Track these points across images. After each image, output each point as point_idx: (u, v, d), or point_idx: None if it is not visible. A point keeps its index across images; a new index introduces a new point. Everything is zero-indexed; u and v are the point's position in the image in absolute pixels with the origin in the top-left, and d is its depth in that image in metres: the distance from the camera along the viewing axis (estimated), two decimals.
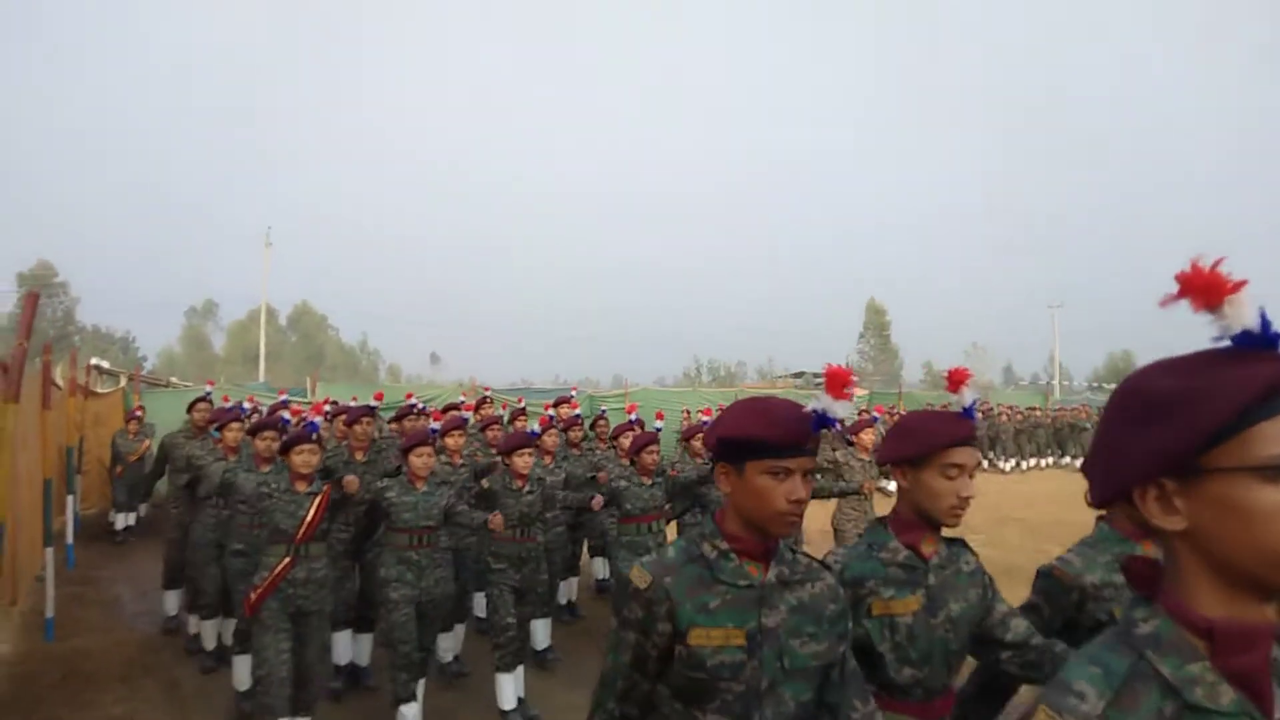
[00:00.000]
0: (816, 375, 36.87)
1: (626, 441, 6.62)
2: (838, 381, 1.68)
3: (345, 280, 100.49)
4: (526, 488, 5.28)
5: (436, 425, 6.12)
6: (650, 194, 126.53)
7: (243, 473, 5.50)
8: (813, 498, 5.27)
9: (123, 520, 11.08)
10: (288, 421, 5.94)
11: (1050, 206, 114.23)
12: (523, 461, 5.23)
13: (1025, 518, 12.26)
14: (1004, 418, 19.84)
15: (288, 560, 4.44)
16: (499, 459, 5.79)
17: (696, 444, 6.93)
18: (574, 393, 12.51)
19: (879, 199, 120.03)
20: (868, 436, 6.87)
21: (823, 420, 1.66)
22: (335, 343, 74.58)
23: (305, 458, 4.57)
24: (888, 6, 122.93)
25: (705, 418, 10.32)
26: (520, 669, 5.09)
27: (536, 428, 6.47)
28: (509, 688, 4.96)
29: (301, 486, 4.58)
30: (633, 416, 7.20)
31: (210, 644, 6.15)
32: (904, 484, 2.14)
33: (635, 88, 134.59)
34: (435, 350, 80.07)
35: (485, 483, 5.33)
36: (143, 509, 11.60)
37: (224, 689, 5.55)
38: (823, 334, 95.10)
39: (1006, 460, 19.37)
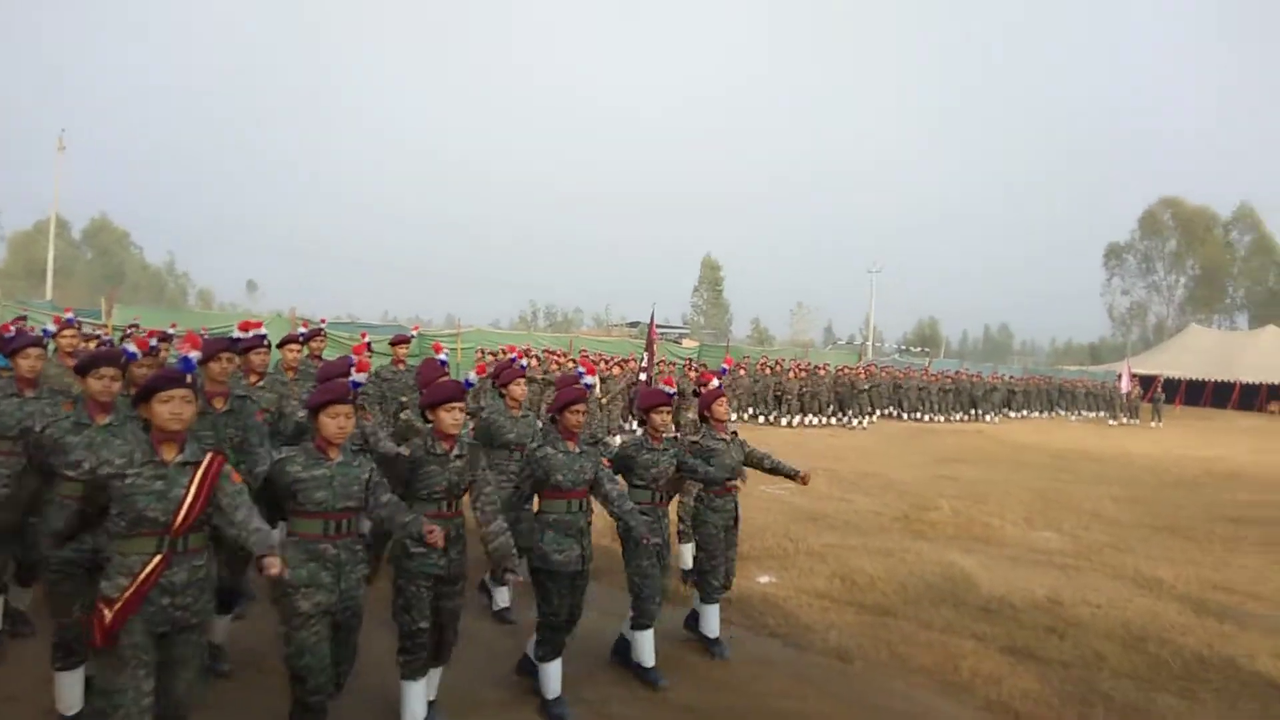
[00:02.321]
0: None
1: (518, 390, 5.87)
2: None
3: (151, 195, 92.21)
4: (455, 451, 4.14)
5: (360, 377, 4.65)
6: (492, 135, 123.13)
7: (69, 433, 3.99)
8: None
9: None
10: (132, 355, 4.78)
11: (876, 180, 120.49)
12: (452, 419, 4.09)
13: (834, 469, 13.04)
14: (791, 375, 20.85)
15: (159, 559, 3.16)
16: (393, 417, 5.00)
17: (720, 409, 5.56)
18: (415, 332, 11.89)
19: (720, 163, 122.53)
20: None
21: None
22: (137, 262, 68.38)
23: (175, 409, 3.19)
24: None
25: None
26: (435, 671, 4.19)
27: (473, 376, 5.41)
28: (416, 700, 4.05)
29: (169, 454, 3.21)
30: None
31: None
32: None
33: (469, 17, 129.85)
34: (253, 278, 75.21)
35: (406, 450, 4.16)
36: None
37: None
38: (660, 287, 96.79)
39: (791, 416, 20.34)
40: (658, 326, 16.31)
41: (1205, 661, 5.47)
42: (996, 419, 25.84)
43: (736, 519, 5.42)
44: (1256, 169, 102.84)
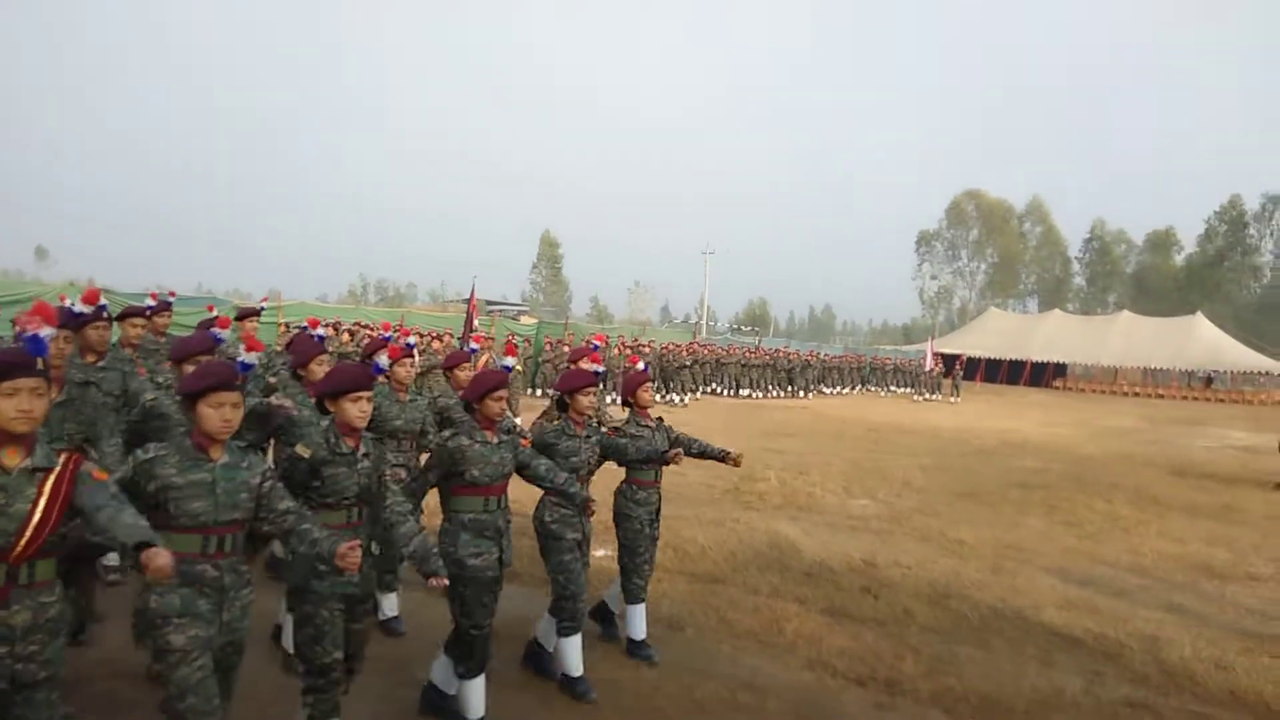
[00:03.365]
0: (491, 302, 36.91)
1: (404, 372, 5.19)
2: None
3: None
4: (361, 449, 3.55)
5: (249, 358, 3.70)
6: (320, 91, 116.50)
7: None
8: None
9: None
10: None
11: (709, 165, 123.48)
12: (359, 411, 3.49)
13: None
14: (616, 353, 21.72)
15: None
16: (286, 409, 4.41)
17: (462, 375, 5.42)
18: (264, 305, 10.81)
19: (561, 139, 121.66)
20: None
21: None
22: None
23: (23, 404, 2.49)
24: None
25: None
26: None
27: (384, 360, 4.52)
28: None
29: (11, 458, 2.51)
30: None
31: None
32: None
33: None
34: (42, 243, 68.04)
35: (302, 449, 3.49)
36: None
37: None
38: (499, 264, 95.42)
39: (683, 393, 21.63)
40: (494, 302, 16.03)
41: (999, 614, 5.97)
42: (811, 395, 27.27)
43: (658, 511, 5.07)
44: (1044, 163, 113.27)
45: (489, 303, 36.24)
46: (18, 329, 2.55)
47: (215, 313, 8.13)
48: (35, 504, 2.47)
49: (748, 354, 26.92)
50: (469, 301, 14.01)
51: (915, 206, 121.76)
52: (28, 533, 2.45)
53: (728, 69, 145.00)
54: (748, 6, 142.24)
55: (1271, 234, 66.25)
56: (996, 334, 47.49)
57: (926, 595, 6.30)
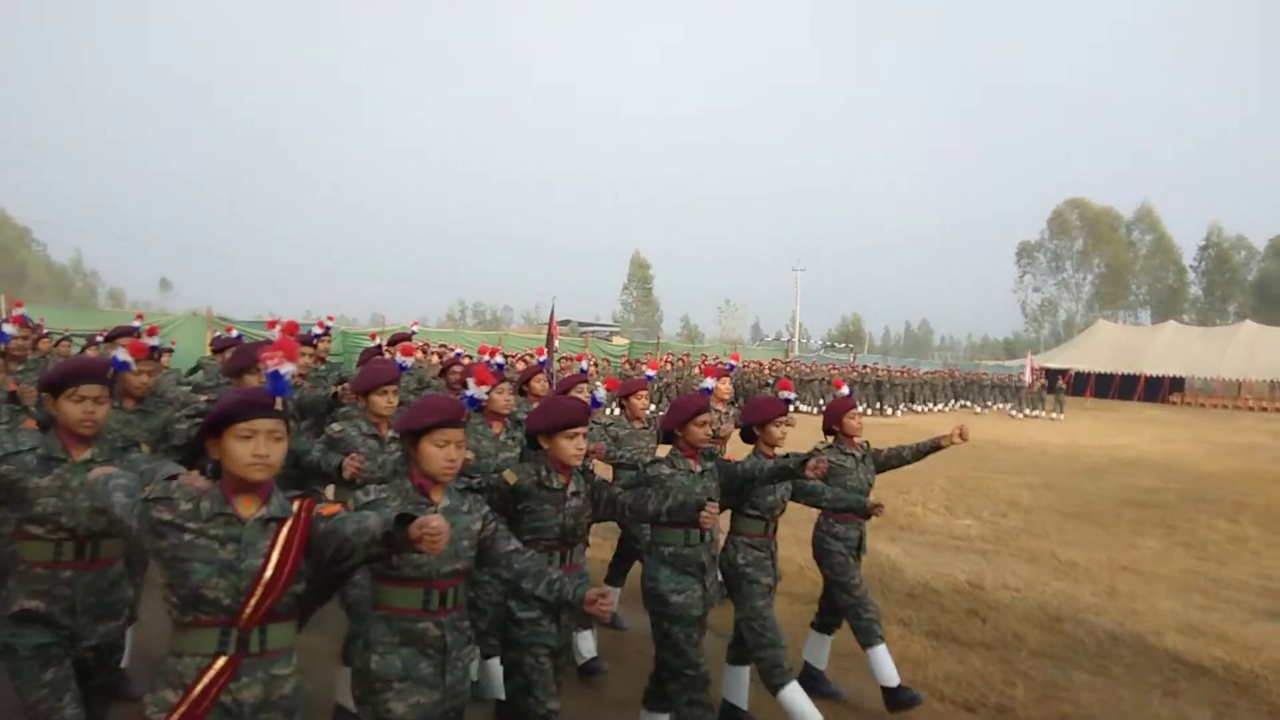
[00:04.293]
0: (583, 324, 37.47)
1: (640, 403, 5.26)
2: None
3: (55, 191, 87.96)
4: (571, 486, 3.30)
5: (480, 392, 3.74)
6: (414, 134, 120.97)
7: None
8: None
9: None
10: (123, 365, 3.66)
11: (798, 180, 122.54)
12: (576, 449, 3.21)
13: None
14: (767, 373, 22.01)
15: (223, 664, 2.17)
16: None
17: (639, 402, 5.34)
18: (414, 328, 10.47)
19: (646, 163, 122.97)
20: (725, 386, 6.13)
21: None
22: (40, 260, 65.22)
23: (258, 447, 2.24)
24: None
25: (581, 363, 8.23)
26: None
27: (479, 390, 3.78)
28: None
29: (247, 508, 2.26)
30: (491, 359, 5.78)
31: None
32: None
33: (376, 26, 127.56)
34: (166, 275, 72.44)
35: (509, 475, 3.25)
36: None
37: None
38: (590, 285, 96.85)
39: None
40: (586, 324, 16.33)
41: (1117, 639, 5.71)
42: (900, 413, 26.54)
43: (861, 544, 4.68)
44: (1156, 172, 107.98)
45: (581, 324, 36.82)
46: (261, 365, 2.27)
47: (378, 340, 7.98)
48: (268, 558, 2.17)
49: (831, 370, 26.56)
50: (549, 323, 14.35)
51: (1015, 217, 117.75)
52: (258, 591, 2.14)
53: (811, 84, 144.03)
54: (864, 16, 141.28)
55: None
56: (1106, 347, 45.34)
57: (1037, 619, 6.07)
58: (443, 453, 2.65)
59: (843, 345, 54.60)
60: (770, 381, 22.61)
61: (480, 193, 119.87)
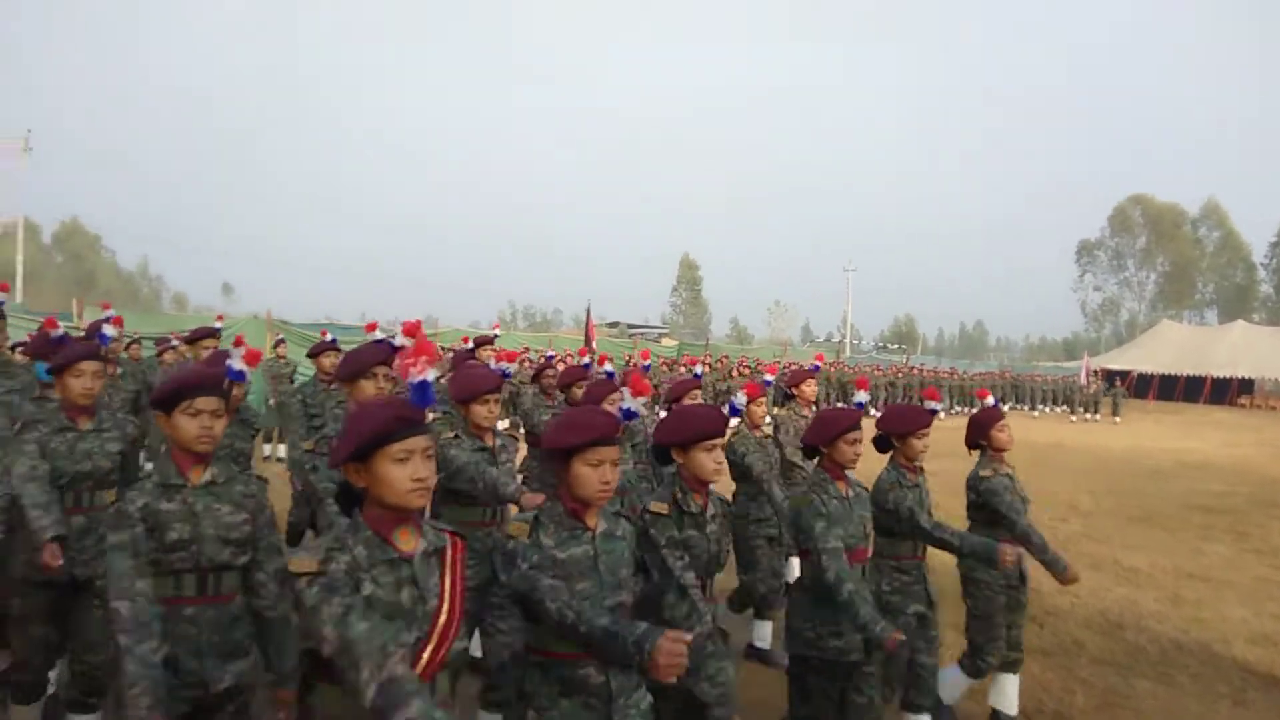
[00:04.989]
0: (632, 325, 37.58)
1: (760, 411, 5.05)
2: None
3: (123, 199, 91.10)
4: (710, 509, 2.96)
5: (638, 404, 3.44)
6: (470, 137, 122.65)
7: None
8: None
9: None
10: (238, 375, 4.01)
11: (848, 183, 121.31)
12: (715, 461, 2.84)
13: None
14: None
15: None
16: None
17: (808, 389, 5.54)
18: (496, 331, 10.12)
19: (698, 166, 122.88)
20: (809, 388, 5.84)
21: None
22: (109, 266, 67.62)
23: (417, 469, 1.90)
24: None
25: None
26: None
27: (740, 398, 3.97)
28: None
29: (407, 542, 1.94)
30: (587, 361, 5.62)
31: None
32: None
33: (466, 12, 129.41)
34: (228, 280, 74.55)
35: (657, 506, 2.84)
36: None
37: None
38: (640, 287, 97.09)
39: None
40: (635, 326, 16.45)
41: (1182, 647, 5.54)
42: (945, 415, 25.93)
43: (1023, 575, 4.29)
44: (1221, 167, 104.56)
45: (630, 326, 36.92)
46: (399, 371, 2.01)
47: (470, 344, 7.61)
48: (440, 598, 1.91)
49: (876, 371, 26.29)
50: (586, 324, 14.45)
51: (1075, 215, 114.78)
52: (433, 638, 1.89)
53: (865, 85, 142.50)
54: (898, 19, 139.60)
55: None
56: (1171, 348, 43.98)
57: (1098, 625, 5.92)
58: (597, 473, 2.31)
59: (895, 346, 53.88)
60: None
61: (531, 203, 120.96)
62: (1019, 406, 30.00)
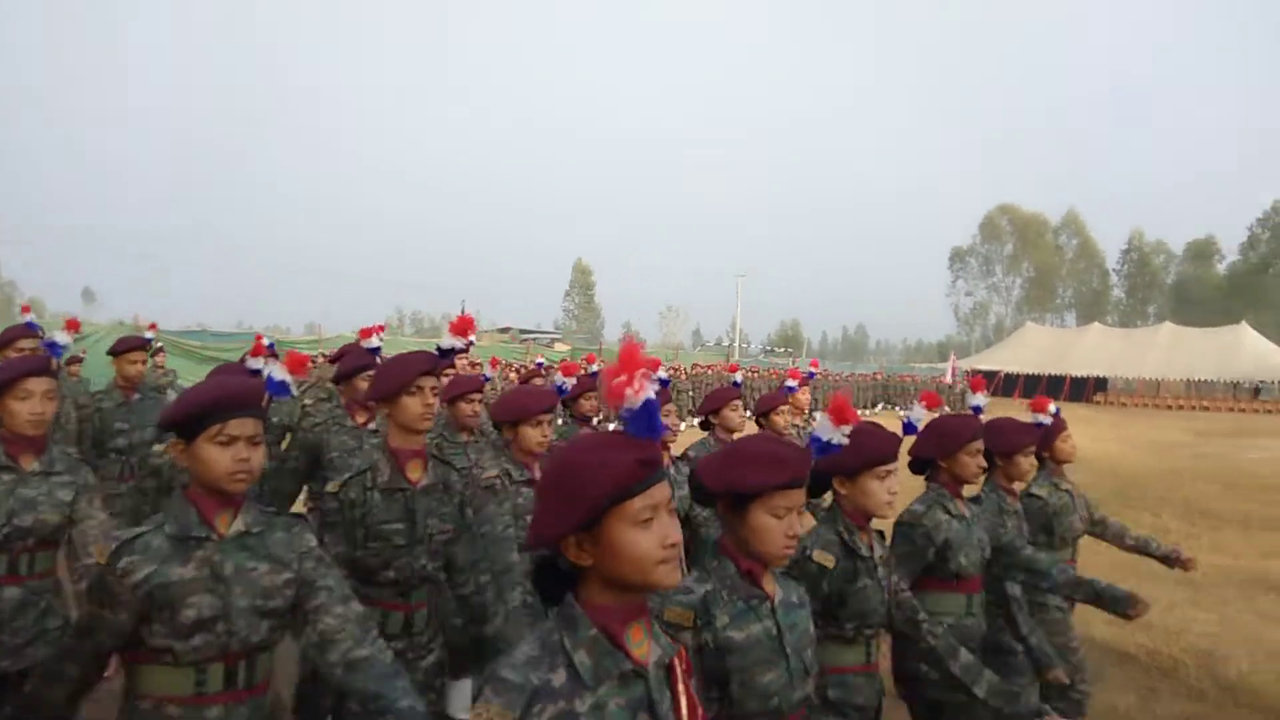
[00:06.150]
0: (524, 331, 37.25)
1: (782, 420, 4.58)
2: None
3: None
4: (877, 551, 2.53)
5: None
6: (352, 123, 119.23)
7: None
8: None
9: None
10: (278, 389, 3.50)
11: (739, 188, 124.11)
12: (888, 493, 2.42)
13: None
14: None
15: None
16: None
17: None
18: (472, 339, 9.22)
19: (587, 166, 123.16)
20: (804, 396, 5.52)
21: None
22: None
23: (669, 533, 1.33)
24: None
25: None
26: None
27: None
28: None
29: (639, 645, 1.36)
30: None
31: None
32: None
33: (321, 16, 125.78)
34: (89, 285, 70.06)
35: (823, 557, 2.35)
36: None
37: None
38: (531, 292, 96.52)
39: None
40: (527, 331, 16.18)
41: None
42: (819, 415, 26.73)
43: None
44: (1080, 176, 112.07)
45: (523, 331, 36.63)
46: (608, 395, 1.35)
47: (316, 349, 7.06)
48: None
49: (754, 373, 27.09)
50: (462, 320, 14.22)
51: (948, 223, 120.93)
52: None
53: (754, 91, 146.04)
54: (770, 28, 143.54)
55: None
56: (1034, 349, 46.82)
57: None
58: (783, 525, 1.79)
59: (782, 350, 55.31)
60: (688, 389, 22.45)
61: (413, 197, 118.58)
62: (890, 407, 31.34)
